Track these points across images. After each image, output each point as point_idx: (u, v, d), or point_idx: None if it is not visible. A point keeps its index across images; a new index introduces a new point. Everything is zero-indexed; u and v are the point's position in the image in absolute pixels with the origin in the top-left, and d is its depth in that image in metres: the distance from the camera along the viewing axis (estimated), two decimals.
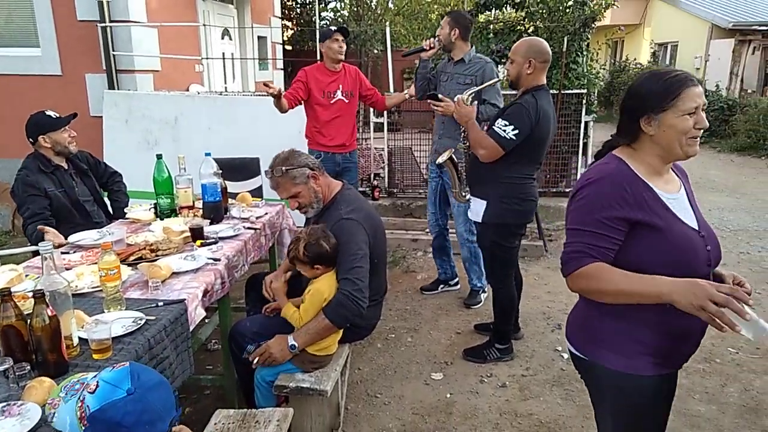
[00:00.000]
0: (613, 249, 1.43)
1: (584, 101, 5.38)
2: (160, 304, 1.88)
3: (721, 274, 1.57)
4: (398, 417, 2.71)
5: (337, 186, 2.46)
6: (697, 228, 1.50)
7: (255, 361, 2.18)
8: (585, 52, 5.50)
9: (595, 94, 5.60)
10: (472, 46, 3.64)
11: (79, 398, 1.22)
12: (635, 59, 15.41)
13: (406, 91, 4.14)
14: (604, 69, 6.26)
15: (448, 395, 2.89)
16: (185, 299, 1.93)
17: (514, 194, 2.89)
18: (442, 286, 4.21)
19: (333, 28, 3.85)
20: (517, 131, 2.72)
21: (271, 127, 4.52)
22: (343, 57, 3.84)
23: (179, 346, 1.85)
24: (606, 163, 1.51)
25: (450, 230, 4.11)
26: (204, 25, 7.32)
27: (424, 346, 3.40)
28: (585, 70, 5.45)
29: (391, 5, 15.92)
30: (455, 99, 3.03)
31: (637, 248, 1.43)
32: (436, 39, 3.59)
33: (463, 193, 3.23)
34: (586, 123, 5.44)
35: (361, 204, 2.41)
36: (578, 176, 2.00)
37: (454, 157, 3.20)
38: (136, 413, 1.16)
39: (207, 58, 7.32)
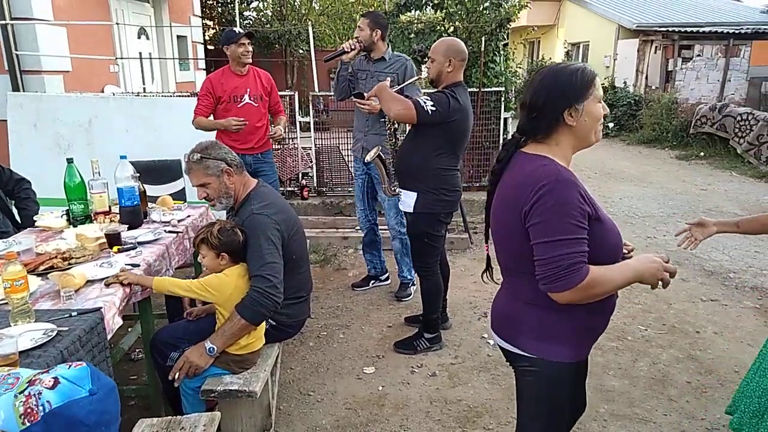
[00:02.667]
0: (588, 249, 1.41)
1: (503, 99, 5.60)
2: (74, 314, 1.80)
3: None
4: (331, 413, 2.73)
5: (252, 183, 2.46)
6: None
7: (177, 377, 2.12)
8: (502, 52, 5.73)
9: (513, 92, 5.85)
10: (389, 46, 3.71)
11: (24, 393, 1.19)
12: (551, 58, 16.16)
13: (277, 129, 3.91)
14: (520, 68, 6.54)
15: (380, 388, 2.94)
16: (101, 308, 1.86)
17: (443, 185, 3.02)
18: (372, 281, 4.26)
19: (237, 30, 3.78)
20: (434, 108, 2.84)
21: (192, 129, 4.40)
22: (249, 60, 3.80)
23: (96, 357, 1.77)
24: (545, 165, 1.45)
25: (380, 225, 4.17)
26: (117, 23, 6.99)
27: (356, 342, 3.44)
28: (502, 69, 5.68)
29: (315, 5, 15.84)
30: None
31: (591, 243, 1.42)
32: (356, 41, 3.63)
33: (392, 188, 3.30)
34: (505, 119, 5.67)
35: (274, 200, 2.41)
36: None
37: (381, 154, 3.27)
38: (97, 413, 1.19)
39: (122, 58, 6.99)
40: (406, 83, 3.29)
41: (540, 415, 1.64)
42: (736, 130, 9.01)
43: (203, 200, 2.44)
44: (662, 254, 1.51)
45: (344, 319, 3.74)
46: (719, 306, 3.92)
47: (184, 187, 4.30)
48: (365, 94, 3.41)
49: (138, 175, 2.92)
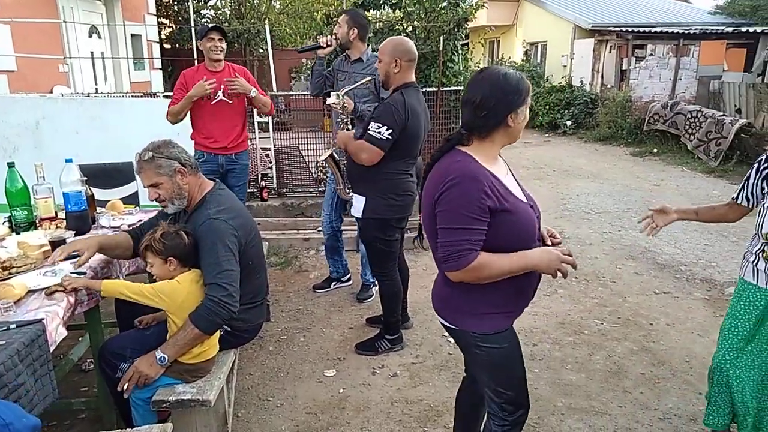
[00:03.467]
0: (483, 238, 1.61)
1: (461, 98, 5.65)
2: (12, 326, 1.71)
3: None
4: (291, 418, 2.69)
5: (208, 186, 2.37)
6: (526, 201, 1.73)
7: (126, 388, 2.05)
8: (460, 51, 5.77)
9: None
10: (368, 46, 3.67)
11: None
12: (510, 58, 16.42)
13: (248, 86, 3.72)
14: (478, 67, 6.60)
15: (341, 390, 2.92)
16: (43, 319, 1.78)
17: (391, 190, 2.96)
18: (334, 283, 4.23)
19: (208, 25, 3.69)
20: (390, 130, 2.78)
21: (147, 129, 4.24)
22: (221, 56, 3.70)
23: (38, 371, 1.70)
24: (459, 161, 1.63)
25: (343, 230, 4.14)
26: (66, 21, 6.74)
27: (317, 345, 3.40)
28: (461, 68, 5.73)
29: (276, 4, 15.65)
30: (328, 101, 3.13)
31: (496, 232, 1.62)
32: (333, 37, 3.57)
33: (347, 190, 3.27)
34: None
35: (232, 204, 2.34)
36: None
37: (335, 155, 3.23)
38: None
39: (71, 58, 6.75)
40: (356, 85, 3.22)
41: (503, 381, 1.81)
42: (687, 127, 9.33)
43: (155, 202, 2.35)
44: (565, 248, 1.71)
45: (305, 321, 3.70)
46: (671, 298, 4.04)
47: (137, 191, 4.16)
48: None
49: (86, 179, 2.81)
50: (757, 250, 2.12)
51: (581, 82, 13.42)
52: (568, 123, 12.29)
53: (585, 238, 5.40)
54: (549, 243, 1.79)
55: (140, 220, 2.96)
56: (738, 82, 10.80)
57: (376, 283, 4.02)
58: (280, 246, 5.00)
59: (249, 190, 5.66)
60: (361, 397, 2.87)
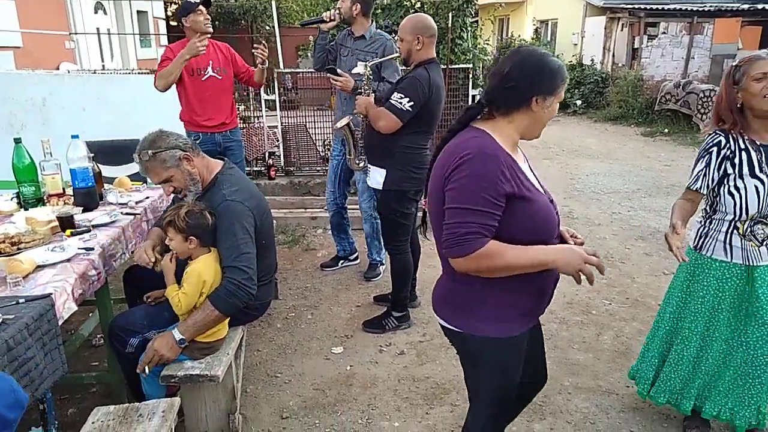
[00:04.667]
0: (496, 225, 1.43)
1: (470, 76, 5.57)
2: (21, 301, 1.71)
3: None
4: (299, 394, 2.71)
5: (217, 166, 2.35)
6: (544, 192, 1.59)
7: (147, 370, 2.05)
8: (469, 28, 5.67)
9: (481, 69, 5.81)
10: (372, 22, 3.62)
11: None
12: (519, 35, 16.17)
13: (258, 62, 3.70)
14: (488, 44, 6.49)
15: (349, 367, 2.93)
16: (51, 294, 1.78)
17: (412, 163, 3.00)
18: (342, 261, 4.23)
19: (194, 0, 3.55)
20: (412, 103, 2.82)
21: (154, 106, 4.24)
22: (211, 30, 3.60)
23: (47, 345, 1.70)
24: (476, 137, 1.48)
25: (349, 207, 4.13)
26: None
27: (325, 322, 3.41)
28: (470, 46, 5.63)
29: None
30: (356, 66, 3.12)
31: (510, 221, 1.45)
32: (337, 11, 3.52)
33: (357, 161, 3.26)
34: (473, 96, 5.64)
35: (245, 184, 2.33)
36: None
37: (351, 124, 3.22)
38: None
39: (77, 33, 6.70)
40: (383, 59, 3.25)
41: (486, 384, 1.68)
42: (699, 106, 9.19)
43: (173, 194, 2.32)
44: (593, 249, 1.52)
45: (312, 299, 3.71)
46: None
47: None
48: (338, 70, 3.36)
49: (93, 155, 2.81)
50: (727, 229, 2.12)
51: (592, 60, 13.22)
52: (578, 102, 12.14)
53: (594, 218, 5.36)
54: (570, 243, 1.62)
55: (147, 197, 2.97)
56: None
57: (384, 262, 4.02)
58: (288, 224, 5.00)
59: (257, 169, 5.66)
60: (368, 374, 2.88)
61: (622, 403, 2.64)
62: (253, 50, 3.69)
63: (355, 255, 4.25)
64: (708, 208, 2.22)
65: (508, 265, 1.43)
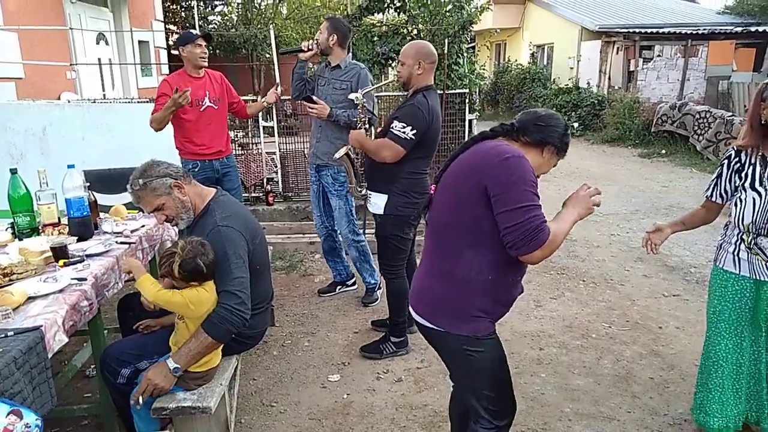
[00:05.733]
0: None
1: (467, 101, 5.62)
2: (10, 333, 1.70)
3: None
4: (294, 424, 2.67)
5: (210, 193, 2.36)
6: None
7: (141, 401, 2.01)
8: (465, 54, 5.74)
9: (477, 94, 5.87)
10: (349, 53, 3.70)
11: None
12: (516, 60, 16.37)
13: (264, 100, 4.05)
14: (484, 70, 6.57)
15: (345, 396, 2.89)
16: (42, 326, 1.77)
17: (413, 188, 3.04)
18: (339, 287, 4.20)
19: (194, 32, 3.67)
20: (414, 131, 2.86)
21: (153, 135, 4.28)
22: (206, 63, 3.70)
23: (35, 378, 1.68)
24: (507, 144, 1.70)
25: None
26: (72, 29, 6.79)
27: (322, 349, 3.38)
28: (466, 71, 5.70)
29: (282, 9, 15.73)
30: (351, 96, 3.18)
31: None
32: (315, 42, 3.60)
33: (359, 188, 3.27)
34: (470, 121, 5.68)
35: (237, 209, 2.33)
36: None
37: (350, 153, 3.24)
38: None
39: (79, 64, 6.80)
40: (375, 86, 3.35)
41: (490, 386, 1.80)
42: (695, 127, 9.24)
43: (165, 223, 2.33)
44: (583, 185, 1.78)
45: (310, 326, 3.68)
46: (681, 301, 3.98)
47: None
48: (313, 98, 3.48)
49: (89, 184, 2.82)
50: (736, 240, 2.20)
51: (588, 83, 13.37)
52: (576, 125, 12.22)
53: (593, 240, 5.34)
54: None
55: (143, 225, 2.97)
56: (747, 82, 10.72)
57: (380, 285, 4.00)
58: (286, 250, 4.99)
59: (255, 195, 5.67)
60: (365, 402, 2.84)
61: (624, 430, 2.59)
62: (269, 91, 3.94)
63: (352, 280, 4.23)
64: (733, 219, 2.25)
65: (564, 237, 1.65)
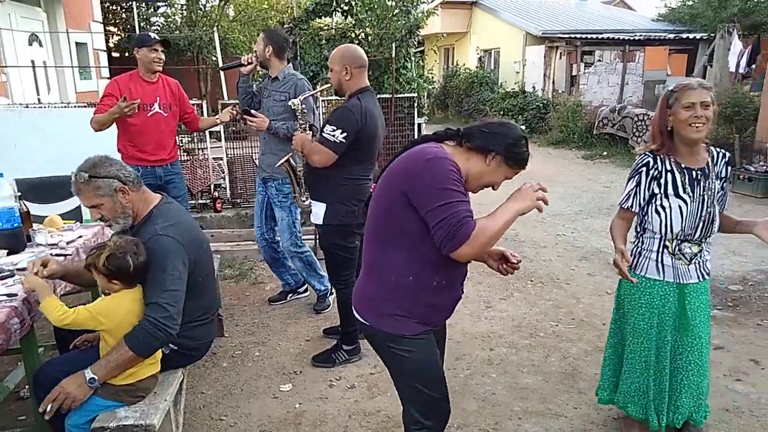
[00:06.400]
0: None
1: (415, 104, 5.67)
2: None
3: (492, 251, 1.97)
4: None
5: (155, 199, 2.27)
6: None
7: (49, 409, 1.91)
8: (413, 58, 5.79)
9: (426, 98, 5.93)
10: (288, 63, 3.66)
11: None
12: (464, 64, 16.67)
13: (218, 117, 3.95)
14: (431, 74, 6.65)
15: (297, 405, 2.84)
16: None
17: (351, 195, 2.95)
18: (290, 295, 4.14)
19: (152, 36, 3.57)
20: (345, 134, 2.78)
21: (95, 140, 4.09)
22: (160, 68, 3.60)
23: None
24: (435, 147, 1.69)
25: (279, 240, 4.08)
26: (1, 29, 6.43)
27: (273, 359, 3.32)
28: (414, 75, 5.75)
29: (229, 11, 15.45)
30: (290, 102, 3.13)
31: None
32: (254, 54, 3.58)
33: (303, 198, 3.22)
34: (419, 125, 5.74)
35: (180, 218, 2.25)
36: None
37: (292, 161, 3.19)
38: None
39: (9, 66, 6.44)
40: (313, 92, 3.30)
41: (408, 382, 1.83)
42: (634, 130, 9.65)
43: (99, 220, 2.25)
44: (529, 183, 1.69)
45: (260, 335, 3.61)
46: None
47: (79, 205, 3.99)
48: (252, 111, 3.48)
49: (20, 194, 2.67)
50: (657, 248, 2.23)
51: (533, 87, 13.74)
52: (522, 128, 12.49)
53: (539, 240, 5.48)
54: (513, 261, 1.94)
55: (80, 236, 2.84)
56: None
57: (331, 291, 3.96)
58: (235, 258, 4.88)
59: (202, 201, 5.53)
60: (317, 411, 2.80)
61: (571, 426, 2.66)
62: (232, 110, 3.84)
63: (303, 287, 4.18)
64: (639, 226, 2.31)
65: (497, 232, 1.58)
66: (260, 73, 4.11)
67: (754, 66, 10.58)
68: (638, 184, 2.22)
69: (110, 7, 13.22)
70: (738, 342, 3.42)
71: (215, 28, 7.48)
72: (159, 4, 13.73)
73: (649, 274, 2.27)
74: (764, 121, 7.46)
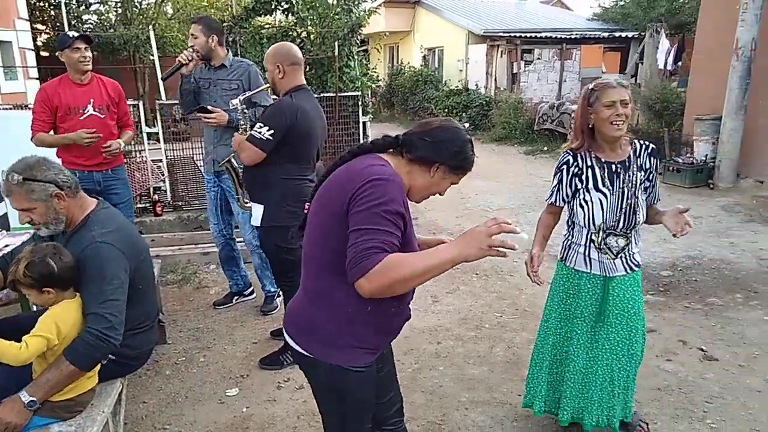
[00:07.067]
0: (399, 245, 1.43)
1: (360, 103, 5.68)
2: None
3: (430, 240, 1.81)
4: None
5: (91, 204, 2.18)
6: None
7: None
8: (356, 57, 5.80)
9: (370, 96, 5.95)
10: (229, 51, 3.57)
11: None
12: (409, 63, 16.81)
13: (113, 142, 3.51)
14: (374, 72, 6.67)
15: (244, 409, 2.80)
16: None
17: (290, 196, 2.90)
18: (236, 297, 4.07)
19: (72, 34, 3.38)
20: (272, 131, 2.73)
21: (23, 144, 3.89)
22: (88, 67, 3.43)
23: None
24: (381, 164, 1.52)
25: (238, 239, 4.00)
26: None
27: (219, 363, 3.25)
28: (358, 74, 5.76)
29: (168, 9, 14.97)
30: (230, 103, 3.03)
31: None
32: (192, 50, 3.41)
33: (245, 200, 3.17)
34: (364, 123, 5.75)
35: (119, 224, 2.17)
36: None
37: (234, 161, 3.12)
38: None
39: None
40: (254, 92, 3.17)
41: (334, 413, 1.69)
42: (572, 125, 10.00)
43: (27, 224, 2.13)
44: (493, 218, 1.41)
45: (205, 340, 3.53)
46: None
47: (6, 213, 3.78)
48: (209, 107, 3.29)
49: None
50: (585, 242, 2.31)
51: (476, 85, 14.02)
52: (466, 125, 12.66)
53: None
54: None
55: (6, 245, 2.69)
56: None
57: (280, 293, 3.92)
58: (177, 262, 4.75)
59: (141, 205, 5.35)
60: (265, 414, 2.77)
61: (515, 413, 2.74)
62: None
63: (250, 289, 4.12)
64: (569, 220, 2.40)
65: (414, 273, 1.35)
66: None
67: (680, 63, 11.16)
68: (560, 181, 2.31)
69: (37, 4, 12.58)
70: (668, 324, 3.61)
71: (151, 27, 7.22)
72: (91, 1, 13.15)
73: (577, 267, 2.36)
74: (689, 116, 7.89)
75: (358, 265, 1.34)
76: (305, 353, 1.59)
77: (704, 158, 7.36)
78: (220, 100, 3.42)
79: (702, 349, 3.29)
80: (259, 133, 2.73)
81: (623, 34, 14.68)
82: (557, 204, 2.36)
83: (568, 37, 13.93)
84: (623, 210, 2.23)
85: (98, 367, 2.05)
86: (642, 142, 2.31)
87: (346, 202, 1.44)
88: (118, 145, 3.53)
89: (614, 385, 2.37)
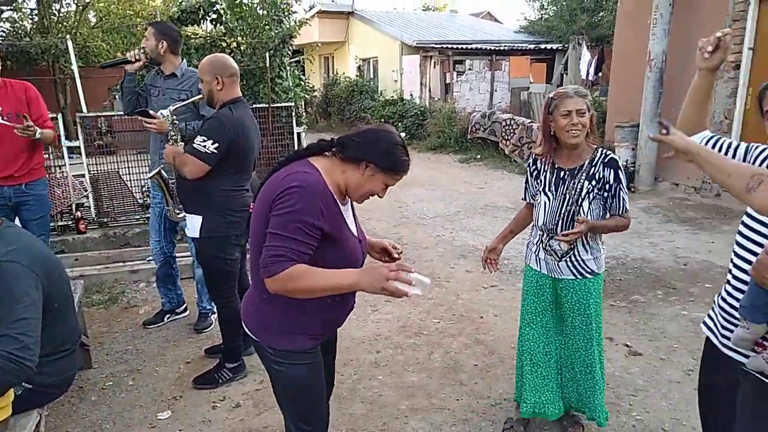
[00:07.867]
0: (309, 254, 1.58)
1: (293, 114, 5.63)
2: None
3: (375, 243, 1.96)
4: None
5: None
6: (356, 235, 1.79)
7: None
8: (288, 67, 5.75)
9: (303, 107, 5.91)
10: (183, 60, 3.48)
11: None
12: (344, 73, 16.88)
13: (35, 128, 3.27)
14: (308, 83, 6.63)
15: None
16: None
17: (228, 206, 2.88)
18: (168, 315, 3.91)
19: None
20: (216, 144, 2.70)
21: None
22: None
23: None
24: (307, 172, 1.61)
25: (177, 256, 3.87)
26: None
27: (149, 386, 3.11)
28: (291, 84, 5.71)
29: (91, 17, 14.33)
30: (159, 113, 2.97)
31: (321, 254, 1.62)
32: (141, 51, 3.32)
33: (177, 211, 3.07)
34: (299, 134, 5.70)
35: (26, 243, 2.05)
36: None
37: (163, 172, 3.03)
38: None
39: None
40: (186, 102, 3.09)
41: (292, 399, 1.84)
42: (503, 133, 10.33)
43: None
44: (394, 265, 1.54)
45: (134, 362, 3.37)
46: (497, 291, 4.40)
47: None
48: (150, 112, 3.16)
49: None
50: (537, 241, 2.46)
51: (411, 95, 14.24)
52: (402, 135, 12.87)
53: (421, 242, 5.68)
54: (395, 255, 1.90)
55: None
56: (542, 92, 12.24)
57: (215, 311, 3.81)
58: (104, 282, 4.52)
59: (62, 223, 5.06)
60: None
61: (454, 417, 2.78)
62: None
63: (183, 307, 3.97)
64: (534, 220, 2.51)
65: (313, 287, 1.55)
66: (140, 73, 3.77)
67: (600, 74, 11.79)
68: (526, 181, 2.51)
69: None
70: None
71: (69, 36, 6.89)
72: (2, 8, 12.38)
73: (531, 264, 2.51)
74: (611, 123, 8.35)
75: (267, 268, 1.54)
76: (254, 336, 1.78)
77: (625, 163, 7.78)
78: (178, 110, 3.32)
79: (627, 345, 3.46)
80: (203, 146, 2.68)
81: (548, 46, 15.36)
82: (528, 201, 2.53)
83: (497, 48, 14.41)
84: (561, 215, 2.33)
85: (11, 396, 1.92)
86: (606, 152, 2.32)
87: (269, 207, 1.59)
88: (35, 131, 3.23)
89: (569, 377, 2.53)
